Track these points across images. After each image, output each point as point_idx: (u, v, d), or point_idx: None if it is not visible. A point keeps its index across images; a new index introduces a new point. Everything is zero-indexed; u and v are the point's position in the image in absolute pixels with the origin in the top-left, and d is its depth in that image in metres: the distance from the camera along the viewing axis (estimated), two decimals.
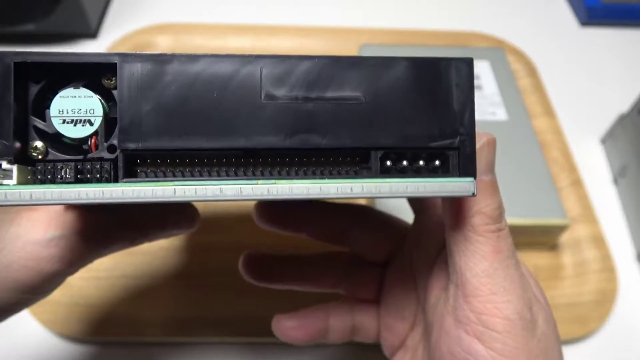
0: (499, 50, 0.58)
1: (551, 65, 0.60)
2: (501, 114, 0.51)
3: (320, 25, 0.62)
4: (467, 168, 0.19)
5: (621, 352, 0.42)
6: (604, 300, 0.43)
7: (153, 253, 0.43)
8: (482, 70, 0.55)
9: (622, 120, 0.51)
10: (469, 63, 0.19)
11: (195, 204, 0.31)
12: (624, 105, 0.52)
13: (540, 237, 0.44)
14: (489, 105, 0.51)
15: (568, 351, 0.38)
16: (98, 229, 0.27)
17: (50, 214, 0.26)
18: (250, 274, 0.32)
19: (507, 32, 0.63)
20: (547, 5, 0.70)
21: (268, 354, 0.40)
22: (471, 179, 0.19)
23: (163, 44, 0.60)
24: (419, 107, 0.19)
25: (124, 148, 0.18)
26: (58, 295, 0.29)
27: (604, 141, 0.54)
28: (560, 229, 0.43)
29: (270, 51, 0.60)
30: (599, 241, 0.46)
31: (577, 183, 0.50)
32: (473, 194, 0.19)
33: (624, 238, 0.48)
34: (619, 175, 0.51)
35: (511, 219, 0.40)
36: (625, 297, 0.44)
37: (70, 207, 0.26)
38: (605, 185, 0.52)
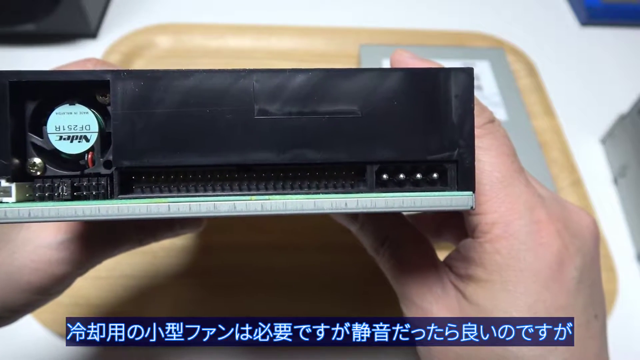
0: (499, 50, 0.58)
1: (551, 65, 0.60)
2: (501, 114, 0.51)
3: (320, 26, 0.62)
4: (466, 181, 0.19)
5: (621, 352, 0.42)
6: None
7: (153, 253, 0.43)
8: (482, 70, 0.54)
9: (622, 120, 0.51)
10: (469, 73, 0.19)
11: None
12: (624, 105, 0.52)
13: None
14: (488, 105, 0.50)
15: None
16: (106, 231, 0.27)
17: None
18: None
19: (507, 32, 0.63)
20: (547, 5, 0.70)
21: (269, 355, 0.40)
22: (470, 192, 0.19)
23: (163, 44, 0.60)
24: (416, 119, 0.19)
25: (118, 165, 0.18)
26: None
27: (604, 141, 0.54)
28: None
29: (270, 51, 0.60)
30: None
31: (577, 183, 0.50)
32: (472, 207, 0.19)
33: (624, 238, 0.48)
34: (619, 175, 0.51)
35: None
36: (625, 297, 0.44)
37: None
38: (605, 185, 0.52)
